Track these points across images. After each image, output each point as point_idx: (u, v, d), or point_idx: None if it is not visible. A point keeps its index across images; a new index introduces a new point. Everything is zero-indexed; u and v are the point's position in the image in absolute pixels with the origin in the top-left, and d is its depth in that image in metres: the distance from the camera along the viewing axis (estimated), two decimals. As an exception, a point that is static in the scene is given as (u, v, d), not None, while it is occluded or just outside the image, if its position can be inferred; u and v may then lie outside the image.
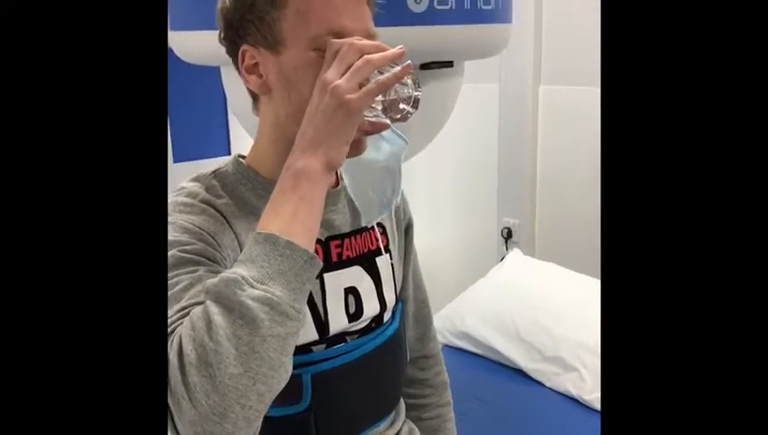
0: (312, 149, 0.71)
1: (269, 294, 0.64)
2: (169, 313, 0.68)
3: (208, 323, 0.63)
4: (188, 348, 0.63)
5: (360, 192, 0.94)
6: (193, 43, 1.53)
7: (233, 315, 0.63)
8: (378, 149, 0.91)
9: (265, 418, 0.82)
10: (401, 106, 0.75)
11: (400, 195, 0.95)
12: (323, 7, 0.77)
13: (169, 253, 0.73)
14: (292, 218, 0.69)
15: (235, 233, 0.80)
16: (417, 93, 0.75)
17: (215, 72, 1.71)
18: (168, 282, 0.71)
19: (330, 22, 0.76)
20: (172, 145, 2.27)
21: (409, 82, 0.74)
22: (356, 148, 0.79)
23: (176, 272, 0.72)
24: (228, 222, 0.80)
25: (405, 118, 0.76)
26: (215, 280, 0.66)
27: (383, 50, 0.73)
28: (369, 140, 0.88)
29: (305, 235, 0.69)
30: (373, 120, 0.76)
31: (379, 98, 0.74)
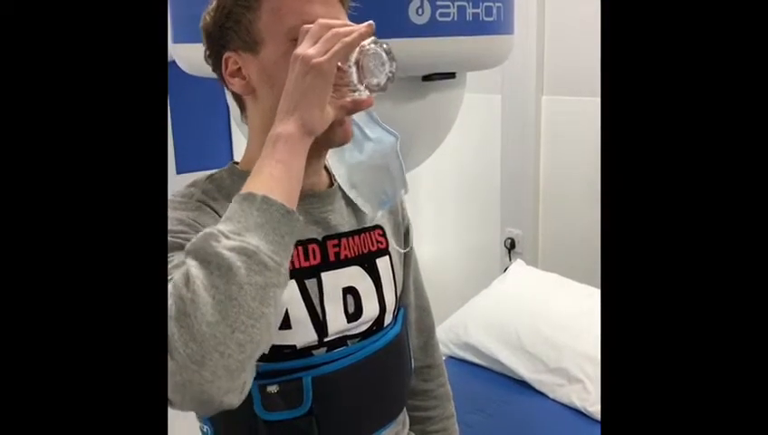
0: (288, 115, 0.73)
1: (245, 244, 0.65)
2: None
3: (186, 277, 0.64)
4: (168, 304, 0.63)
5: (354, 192, 0.95)
6: (196, 56, 1.53)
7: (210, 267, 0.64)
8: (361, 150, 0.92)
9: (267, 422, 0.83)
10: (375, 81, 0.77)
11: (401, 193, 0.96)
12: (295, 0, 0.80)
13: None
14: (270, 178, 0.71)
15: None
16: (392, 68, 0.77)
17: (218, 84, 1.71)
18: None
19: (303, 13, 0.80)
20: (175, 156, 2.28)
21: (384, 57, 0.77)
22: (342, 132, 0.82)
23: (168, 255, 0.73)
24: None
25: (383, 89, 0.78)
26: (194, 238, 0.67)
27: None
28: (352, 142, 0.91)
29: (283, 193, 0.70)
30: (356, 96, 0.78)
31: (355, 76, 0.76)
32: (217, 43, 0.85)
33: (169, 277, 0.68)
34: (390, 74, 0.77)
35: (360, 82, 0.77)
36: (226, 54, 0.84)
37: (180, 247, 0.74)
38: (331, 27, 0.74)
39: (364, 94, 0.78)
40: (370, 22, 0.76)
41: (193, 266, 0.65)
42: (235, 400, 0.66)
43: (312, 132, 0.74)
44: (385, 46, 0.77)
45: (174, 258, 0.72)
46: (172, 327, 0.62)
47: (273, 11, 0.81)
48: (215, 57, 0.86)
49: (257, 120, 0.87)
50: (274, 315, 0.68)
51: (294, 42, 0.78)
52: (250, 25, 0.82)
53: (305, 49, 0.73)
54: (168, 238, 0.74)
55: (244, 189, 0.70)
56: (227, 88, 0.87)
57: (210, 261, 0.64)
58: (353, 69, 0.76)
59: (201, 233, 0.67)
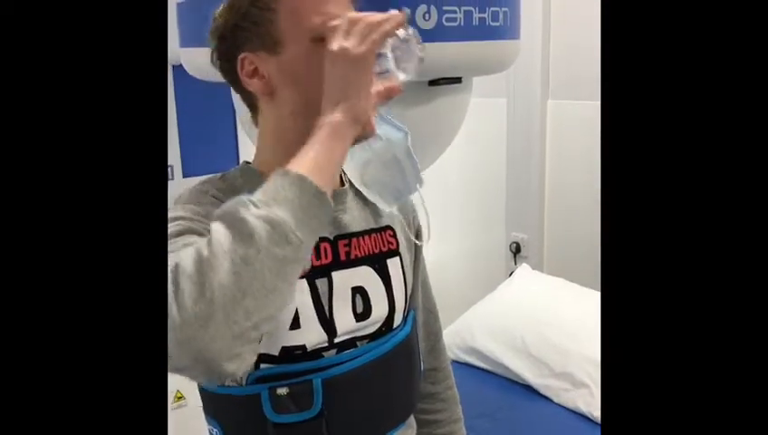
0: (333, 106, 0.75)
1: (271, 215, 0.66)
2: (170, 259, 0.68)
3: (210, 238, 0.65)
4: (186, 261, 0.64)
5: (366, 189, 0.96)
6: (204, 60, 1.54)
7: (233, 231, 0.65)
8: (369, 148, 0.93)
9: (276, 424, 0.83)
10: (410, 65, 0.80)
11: (416, 186, 0.96)
12: (314, 1, 0.81)
13: (177, 222, 0.75)
14: (309, 161, 0.71)
15: None
16: (421, 51, 0.80)
17: (224, 88, 1.72)
18: (174, 245, 0.72)
19: (322, 13, 0.80)
20: (182, 160, 2.29)
21: (414, 40, 0.79)
22: (369, 123, 0.81)
23: (182, 237, 0.73)
24: None
25: (416, 71, 0.81)
26: (224, 204, 0.68)
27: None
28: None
29: (320, 176, 0.71)
30: (387, 84, 0.80)
31: (392, 63, 0.78)
32: (231, 44, 0.84)
33: (179, 252, 0.68)
34: (421, 57, 0.79)
35: (397, 67, 0.79)
36: (242, 55, 0.83)
37: (193, 232, 0.75)
38: (359, 19, 0.75)
39: (401, 77, 0.80)
40: (406, 10, 0.77)
41: (217, 230, 0.65)
42: (232, 368, 0.65)
43: (358, 121, 0.75)
44: (411, 30, 0.79)
45: (185, 240, 0.73)
46: (185, 282, 0.62)
47: (292, 11, 0.81)
48: (226, 58, 0.86)
49: (272, 121, 0.87)
50: (288, 294, 0.68)
51: (316, 41, 0.79)
52: (269, 26, 0.81)
53: (340, 43, 0.74)
54: (182, 222, 0.75)
55: (291, 162, 0.71)
56: (242, 88, 0.87)
57: (234, 225, 0.65)
58: (389, 56, 0.78)
59: (234, 199, 0.68)
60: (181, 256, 0.65)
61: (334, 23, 0.77)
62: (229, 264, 0.63)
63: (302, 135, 0.83)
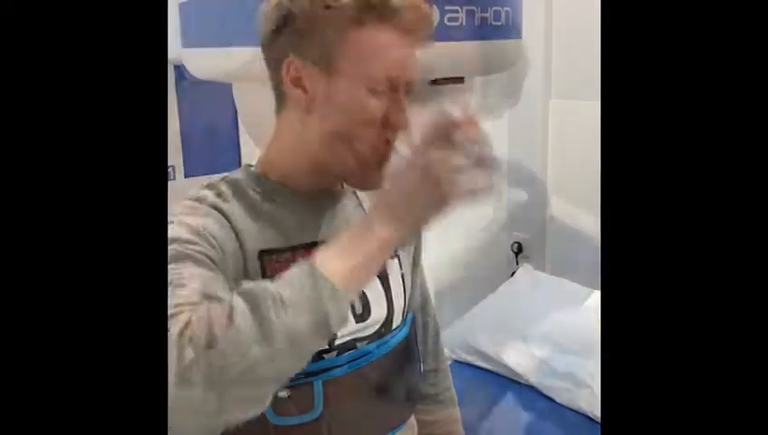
0: (392, 219, 0.70)
1: (296, 326, 0.64)
2: (174, 300, 0.66)
3: (229, 316, 0.62)
4: (198, 333, 0.61)
5: (362, 193, 0.95)
6: (206, 61, 1.55)
7: (255, 326, 0.62)
8: None
9: (277, 427, 0.83)
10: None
11: None
12: (389, 52, 0.78)
13: (171, 246, 0.73)
14: (347, 269, 0.68)
15: (239, 240, 0.80)
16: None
17: (226, 88, 1.72)
18: (172, 274, 0.70)
19: (391, 68, 0.78)
20: (184, 160, 2.29)
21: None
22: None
23: (179, 265, 0.71)
24: (234, 228, 0.80)
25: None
26: (253, 284, 0.66)
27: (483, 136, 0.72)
28: None
29: (352, 286, 0.69)
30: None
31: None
32: (283, 41, 0.81)
33: (179, 289, 0.67)
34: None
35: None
36: (290, 58, 0.80)
37: (187, 257, 0.73)
38: (480, 149, 0.70)
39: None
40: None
41: (240, 311, 0.63)
42: None
43: (407, 244, 0.73)
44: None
45: (183, 270, 0.71)
46: (189, 356, 0.60)
47: (362, 49, 0.78)
48: (269, 48, 0.83)
49: (296, 131, 0.84)
50: (269, 402, 0.67)
51: (371, 90, 0.77)
52: (333, 48, 0.78)
53: (451, 170, 0.68)
54: (177, 247, 0.73)
55: (324, 256, 0.68)
56: (280, 88, 0.83)
57: (258, 320, 0.62)
58: None
59: (263, 287, 0.65)
60: (196, 317, 0.63)
61: (449, 120, 0.71)
62: (238, 359, 0.61)
63: (325, 158, 0.83)
